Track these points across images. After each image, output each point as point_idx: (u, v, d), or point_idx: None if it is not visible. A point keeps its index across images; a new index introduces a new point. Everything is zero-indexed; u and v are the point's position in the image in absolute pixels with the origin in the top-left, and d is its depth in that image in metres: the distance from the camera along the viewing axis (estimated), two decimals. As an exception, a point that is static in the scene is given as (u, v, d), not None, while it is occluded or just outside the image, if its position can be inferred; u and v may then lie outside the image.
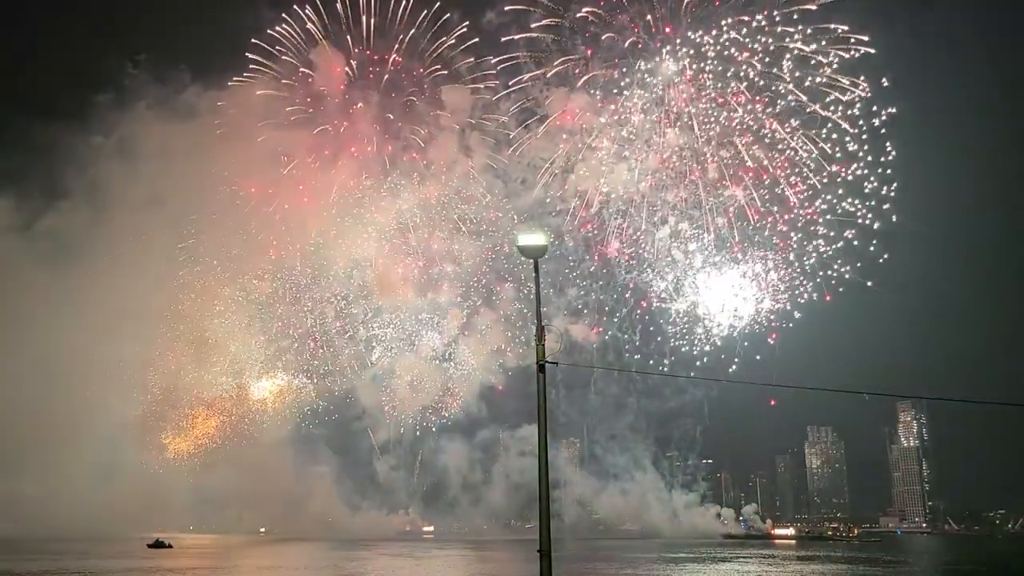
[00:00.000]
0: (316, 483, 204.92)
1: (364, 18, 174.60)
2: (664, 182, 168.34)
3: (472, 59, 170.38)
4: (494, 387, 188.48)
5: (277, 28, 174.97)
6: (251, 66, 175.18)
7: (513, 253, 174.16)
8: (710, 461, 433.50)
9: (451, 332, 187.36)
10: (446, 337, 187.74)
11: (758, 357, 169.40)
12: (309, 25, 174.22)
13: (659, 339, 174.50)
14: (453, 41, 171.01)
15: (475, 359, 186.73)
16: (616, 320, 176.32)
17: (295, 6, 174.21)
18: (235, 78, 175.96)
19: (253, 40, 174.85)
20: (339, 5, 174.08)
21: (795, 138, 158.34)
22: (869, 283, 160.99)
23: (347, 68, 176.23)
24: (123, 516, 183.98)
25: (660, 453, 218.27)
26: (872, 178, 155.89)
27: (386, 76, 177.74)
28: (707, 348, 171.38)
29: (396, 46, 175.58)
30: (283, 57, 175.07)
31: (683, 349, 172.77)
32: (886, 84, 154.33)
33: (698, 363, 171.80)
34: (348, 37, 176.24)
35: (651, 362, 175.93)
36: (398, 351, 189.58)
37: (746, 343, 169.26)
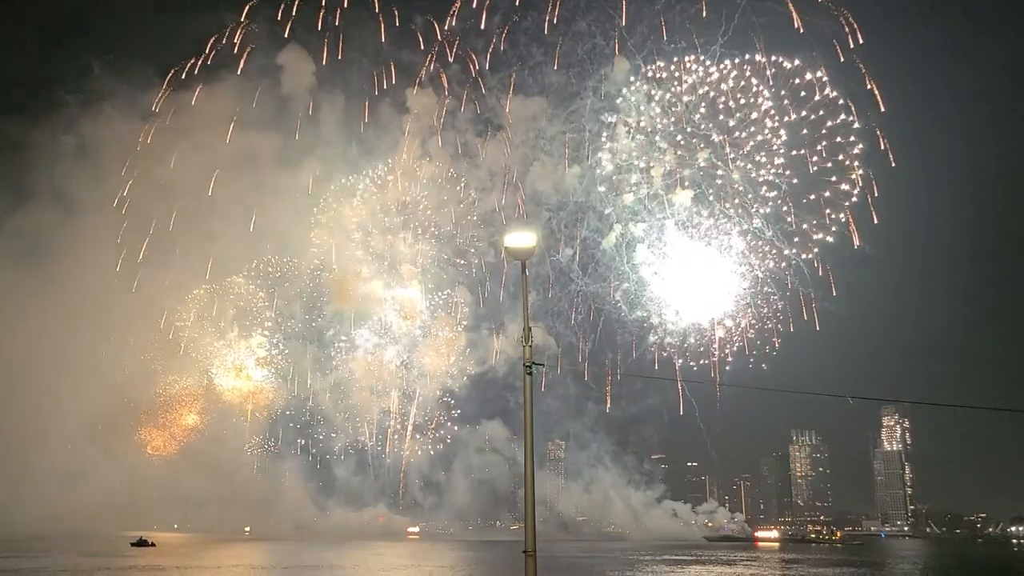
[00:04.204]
0: (286, 483, 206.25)
1: (331, 20, 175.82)
2: (615, 186, 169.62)
3: (435, 65, 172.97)
4: (453, 388, 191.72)
5: (244, 29, 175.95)
6: (217, 66, 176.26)
7: (471, 258, 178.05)
8: (695, 464, 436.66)
9: (411, 335, 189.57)
10: (406, 340, 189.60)
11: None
12: (277, 26, 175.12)
13: (617, 346, 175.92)
14: (417, 46, 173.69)
15: (434, 362, 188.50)
16: (572, 325, 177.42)
17: (262, 7, 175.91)
18: (203, 77, 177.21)
19: (218, 40, 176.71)
20: (300, 9, 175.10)
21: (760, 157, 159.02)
22: (815, 303, 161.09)
23: (314, 71, 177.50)
24: (100, 515, 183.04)
25: (620, 452, 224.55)
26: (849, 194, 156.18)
27: (352, 79, 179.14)
28: (663, 354, 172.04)
29: (363, 49, 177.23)
30: (250, 58, 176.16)
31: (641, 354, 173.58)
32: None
33: (656, 365, 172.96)
34: (316, 40, 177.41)
35: (614, 369, 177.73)
36: (358, 354, 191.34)
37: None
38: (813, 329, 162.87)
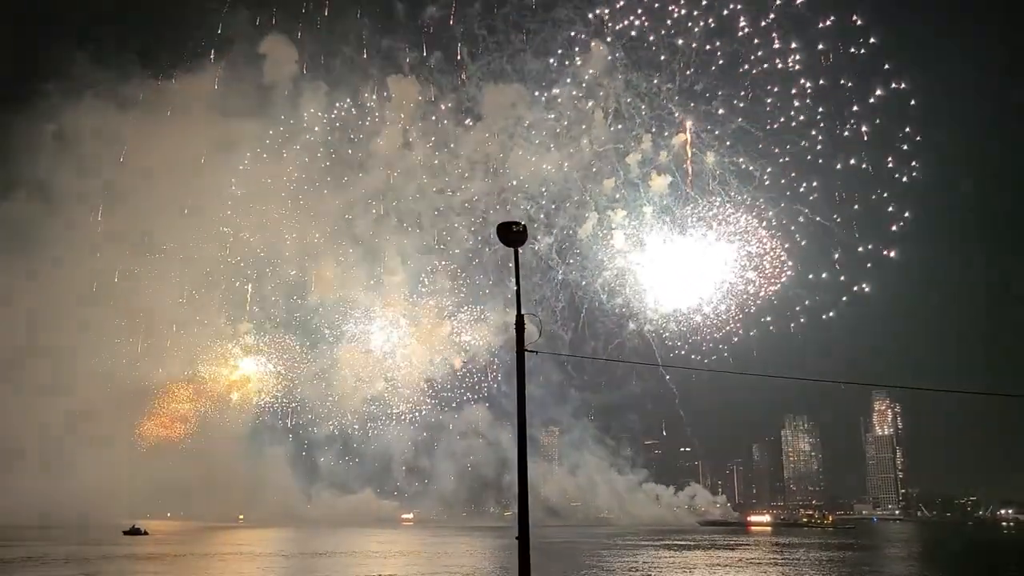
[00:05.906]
0: (274, 471, 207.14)
1: (314, 9, 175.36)
2: (593, 174, 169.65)
3: (416, 53, 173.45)
4: (436, 375, 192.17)
5: (227, 17, 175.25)
6: (200, 55, 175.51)
7: (450, 247, 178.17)
8: (687, 450, 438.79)
9: (394, 323, 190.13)
10: (388, 328, 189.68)
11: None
12: (260, 15, 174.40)
13: (599, 333, 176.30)
14: (399, 35, 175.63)
15: (416, 349, 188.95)
16: (555, 313, 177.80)
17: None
18: (185, 66, 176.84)
19: (200, 29, 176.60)
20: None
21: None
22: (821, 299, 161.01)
23: (296, 59, 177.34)
24: (91, 504, 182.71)
25: (603, 437, 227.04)
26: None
27: (334, 68, 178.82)
28: (641, 341, 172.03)
29: (345, 37, 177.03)
30: (233, 47, 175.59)
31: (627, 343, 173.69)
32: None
33: (636, 354, 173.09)
34: (298, 29, 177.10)
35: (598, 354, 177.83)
36: (342, 342, 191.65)
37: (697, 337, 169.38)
38: (799, 323, 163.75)
